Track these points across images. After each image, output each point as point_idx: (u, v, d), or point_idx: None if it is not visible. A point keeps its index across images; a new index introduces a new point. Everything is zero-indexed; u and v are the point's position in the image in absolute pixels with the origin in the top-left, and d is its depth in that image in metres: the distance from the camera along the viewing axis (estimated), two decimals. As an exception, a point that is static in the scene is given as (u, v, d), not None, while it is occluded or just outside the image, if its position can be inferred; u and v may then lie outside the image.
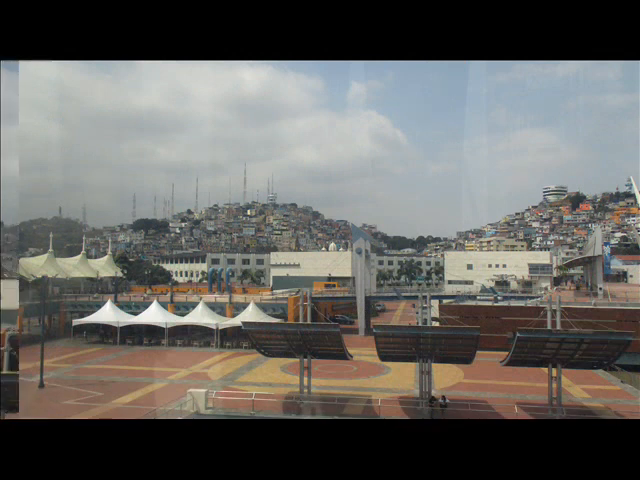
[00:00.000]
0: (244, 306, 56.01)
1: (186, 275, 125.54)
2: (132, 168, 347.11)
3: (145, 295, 67.14)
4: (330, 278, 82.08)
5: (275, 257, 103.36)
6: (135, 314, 56.34)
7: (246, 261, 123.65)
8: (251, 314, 52.17)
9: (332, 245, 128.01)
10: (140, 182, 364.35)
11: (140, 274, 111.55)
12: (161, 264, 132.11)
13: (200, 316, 54.32)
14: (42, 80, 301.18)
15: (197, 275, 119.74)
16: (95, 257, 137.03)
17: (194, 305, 56.96)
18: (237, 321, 50.43)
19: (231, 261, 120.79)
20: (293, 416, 29.62)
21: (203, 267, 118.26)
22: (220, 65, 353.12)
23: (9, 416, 19.42)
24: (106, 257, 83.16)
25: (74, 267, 70.01)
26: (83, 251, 76.90)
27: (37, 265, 62.79)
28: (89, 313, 57.16)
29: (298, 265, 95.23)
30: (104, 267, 77.54)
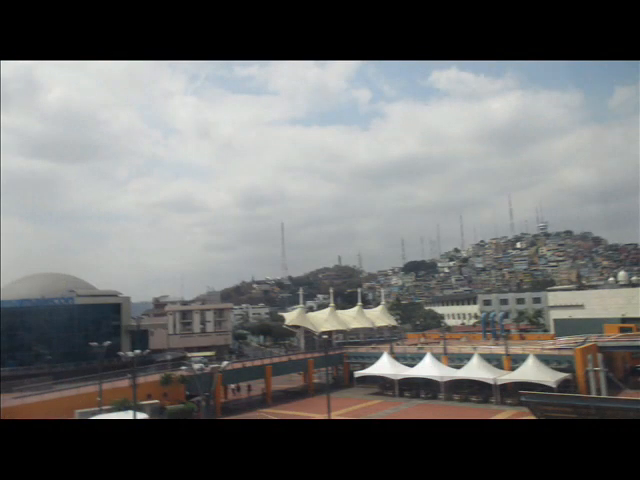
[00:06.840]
0: (523, 357, 50.32)
1: (457, 317, 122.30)
2: (396, 213, 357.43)
3: (419, 346, 66.56)
4: (624, 320, 66.39)
5: (554, 298, 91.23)
6: (410, 365, 56.57)
7: (520, 300, 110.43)
8: (531, 368, 47.33)
9: (622, 274, 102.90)
10: (406, 225, 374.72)
11: (414, 316, 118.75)
12: (432, 307, 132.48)
13: (476, 369, 50.99)
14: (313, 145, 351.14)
15: (469, 317, 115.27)
16: (372, 299, 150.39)
17: (468, 357, 53.86)
18: (516, 376, 47.24)
19: (504, 301, 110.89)
20: None
21: (474, 309, 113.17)
22: (468, 101, 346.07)
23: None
24: (380, 307, 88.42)
25: (352, 318, 78.52)
26: (359, 303, 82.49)
27: (322, 319, 74.78)
28: (369, 364, 59.82)
29: (582, 306, 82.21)
30: (379, 317, 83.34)
